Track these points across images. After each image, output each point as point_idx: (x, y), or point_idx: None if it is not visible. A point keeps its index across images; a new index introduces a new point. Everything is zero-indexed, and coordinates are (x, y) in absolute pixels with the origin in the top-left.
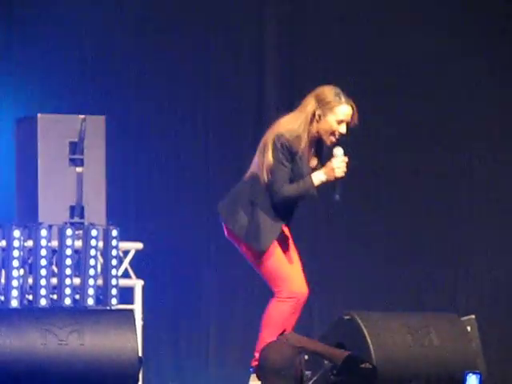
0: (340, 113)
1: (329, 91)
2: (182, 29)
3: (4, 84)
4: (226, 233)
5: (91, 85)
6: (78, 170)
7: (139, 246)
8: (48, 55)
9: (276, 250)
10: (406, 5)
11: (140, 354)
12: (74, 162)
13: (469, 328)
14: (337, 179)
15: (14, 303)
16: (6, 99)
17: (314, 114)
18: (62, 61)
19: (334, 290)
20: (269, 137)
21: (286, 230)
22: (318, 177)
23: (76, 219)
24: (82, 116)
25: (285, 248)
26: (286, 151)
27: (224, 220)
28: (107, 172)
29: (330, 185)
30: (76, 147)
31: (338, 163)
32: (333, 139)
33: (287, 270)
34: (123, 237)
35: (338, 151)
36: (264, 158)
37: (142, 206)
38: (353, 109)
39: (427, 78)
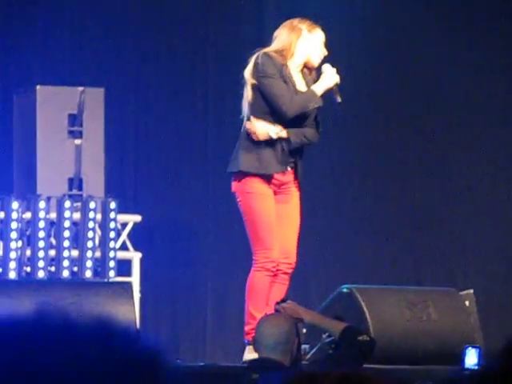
0: (320, 35)
1: (300, 19)
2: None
3: (2, 56)
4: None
5: (90, 56)
6: (77, 142)
7: (137, 218)
8: (47, 26)
9: (260, 205)
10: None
11: (138, 327)
12: (73, 134)
13: (467, 302)
14: (336, 85)
15: (12, 275)
16: (5, 71)
17: (297, 36)
18: (61, 32)
19: (332, 265)
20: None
21: (292, 191)
22: (319, 87)
23: (74, 191)
24: (81, 88)
25: (276, 208)
26: (272, 64)
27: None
28: (106, 144)
29: (328, 94)
30: (75, 119)
31: (331, 73)
32: (319, 60)
33: (266, 233)
34: (121, 209)
35: (326, 66)
36: (255, 80)
37: (141, 178)
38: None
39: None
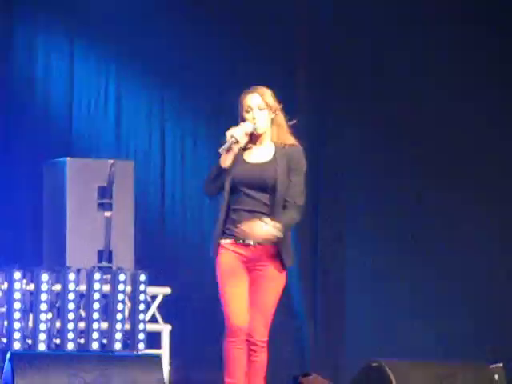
0: (243, 103)
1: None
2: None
3: (33, 128)
4: None
5: (120, 130)
6: (107, 214)
7: (167, 290)
8: (78, 98)
9: (220, 270)
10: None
11: None
12: (103, 207)
13: (496, 376)
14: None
15: (42, 347)
16: (36, 143)
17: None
18: (90, 104)
19: (360, 337)
20: None
21: (266, 270)
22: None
23: (104, 263)
24: (111, 160)
25: (237, 273)
26: None
27: None
28: (135, 216)
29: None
30: (105, 191)
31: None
32: (250, 125)
33: (227, 299)
34: (151, 281)
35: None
36: None
37: (170, 250)
38: (259, 91)
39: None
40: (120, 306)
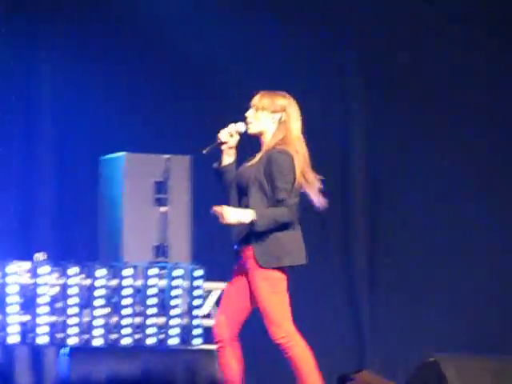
0: None
1: None
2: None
3: (91, 123)
4: None
5: (175, 124)
6: (163, 209)
7: (223, 285)
8: (134, 95)
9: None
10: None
11: None
12: (159, 202)
13: None
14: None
15: (98, 342)
16: (92, 137)
17: None
18: (146, 101)
19: (415, 333)
20: None
21: (251, 275)
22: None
23: (160, 259)
24: (167, 156)
25: (234, 281)
26: None
27: None
28: (192, 211)
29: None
30: (161, 187)
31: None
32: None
33: (220, 307)
34: (207, 276)
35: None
36: None
37: (227, 245)
38: (262, 92)
39: None
40: (176, 302)
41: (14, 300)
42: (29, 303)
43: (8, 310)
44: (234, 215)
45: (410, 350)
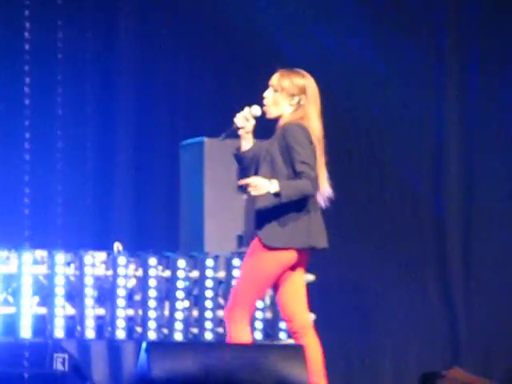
0: None
1: None
2: None
3: (170, 108)
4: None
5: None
6: (246, 197)
7: (311, 277)
8: (215, 77)
9: None
10: None
11: None
12: (242, 189)
13: None
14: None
15: (178, 336)
16: (172, 122)
17: None
18: (228, 86)
19: None
20: None
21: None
22: None
23: (244, 249)
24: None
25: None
26: None
27: None
28: None
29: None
30: (244, 173)
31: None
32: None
33: None
34: None
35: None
36: None
37: None
38: (281, 71)
39: None
40: None
41: (89, 293)
42: (105, 296)
43: (84, 302)
44: (264, 185)
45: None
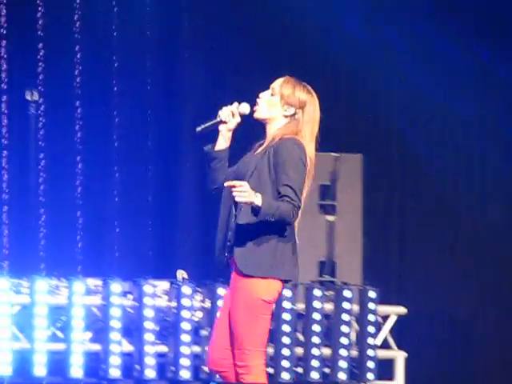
0: None
1: None
2: None
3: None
4: None
5: (345, 120)
6: (330, 218)
7: (402, 310)
8: None
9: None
10: None
11: None
12: (325, 209)
13: None
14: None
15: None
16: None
17: None
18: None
19: None
20: None
21: (234, 287)
22: None
23: (326, 277)
24: (336, 154)
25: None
26: None
27: None
28: (364, 221)
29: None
30: (327, 191)
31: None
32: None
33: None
34: (382, 300)
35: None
36: None
37: (407, 263)
38: (285, 77)
39: None
40: (345, 329)
41: (149, 327)
42: (168, 331)
43: (143, 337)
44: (251, 194)
45: None
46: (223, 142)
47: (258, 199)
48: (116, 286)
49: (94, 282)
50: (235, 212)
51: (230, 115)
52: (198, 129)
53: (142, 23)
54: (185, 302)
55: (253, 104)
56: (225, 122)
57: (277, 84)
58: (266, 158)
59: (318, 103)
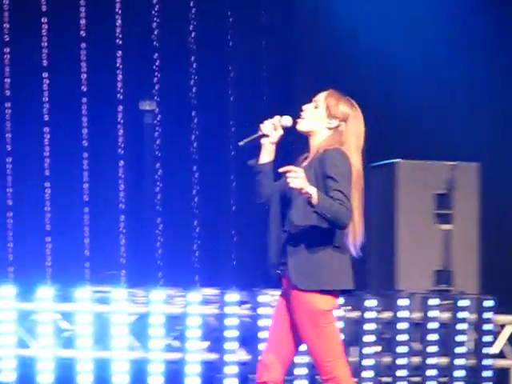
0: None
1: None
2: None
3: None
4: None
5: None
6: (446, 227)
7: None
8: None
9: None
10: None
11: None
12: (441, 218)
13: None
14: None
15: None
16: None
17: None
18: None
19: None
20: None
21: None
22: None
23: (442, 287)
24: (452, 163)
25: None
26: None
27: None
28: (480, 230)
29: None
30: (443, 200)
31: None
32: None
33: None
34: (499, 309)
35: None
36: None
37: None
38: (330, 91)
39: None
40: (461, 338)
41: (265, 336)
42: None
43: (259, 347)
44: (305, 180)
45: None
46: (267, 155)
47: (312, 188)
48: (232, 296)
49: (210, 292)
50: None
51: (272, 128)
52: (241, 143)
53: (257, 39)
54: None
55: (295, 117)
56: (267, 136)
57: (321, 97)
58: (313, 171)
59: (361, 116)
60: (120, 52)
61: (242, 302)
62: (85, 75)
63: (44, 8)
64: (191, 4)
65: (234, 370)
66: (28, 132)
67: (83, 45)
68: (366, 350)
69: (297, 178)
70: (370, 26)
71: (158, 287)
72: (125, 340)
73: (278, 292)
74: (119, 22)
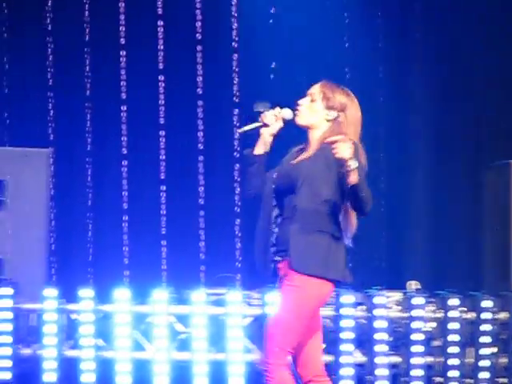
0: None
1: None
2: None
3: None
4: None
5: None
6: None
7: None
8: None
9: None
10: None
11: None
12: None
13: None
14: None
15: None
16: (478, 143)
17: None
18: None
19: None
20: None
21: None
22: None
23: None
24: None
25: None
26: None
27: None
28: None
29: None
30: None
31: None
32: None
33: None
34: None
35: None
36: None
37: None
38: (323, 82)
39: None
40: None
41: (381, 338)
42: (400, 341)
43: (375, 348)
44: (351, 151)
45: None
46: (263, 146)
47: (356, 162)
48: (348, 297)
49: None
50: (279, 212)
51: (273, 119)
52: (240, 130)
53: None
54: (416, 312)
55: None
56: (267, 125)
57: (315, 89)
58: (321, 162)
59: (357, 103)
60: (236, 55)
61: (357, 304)
62: (200, 78)
63: (160, 11)
64: None
65: (350, 371)
66: (143, 135)
67: (199, 47)
68: (482, 351)
69: (347, 148)
70: None
71: (272, 289)
72: (240, 342)
73: (394, 293)
74: (235, 25)
